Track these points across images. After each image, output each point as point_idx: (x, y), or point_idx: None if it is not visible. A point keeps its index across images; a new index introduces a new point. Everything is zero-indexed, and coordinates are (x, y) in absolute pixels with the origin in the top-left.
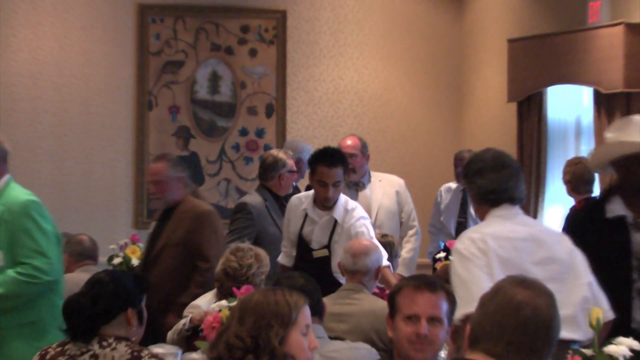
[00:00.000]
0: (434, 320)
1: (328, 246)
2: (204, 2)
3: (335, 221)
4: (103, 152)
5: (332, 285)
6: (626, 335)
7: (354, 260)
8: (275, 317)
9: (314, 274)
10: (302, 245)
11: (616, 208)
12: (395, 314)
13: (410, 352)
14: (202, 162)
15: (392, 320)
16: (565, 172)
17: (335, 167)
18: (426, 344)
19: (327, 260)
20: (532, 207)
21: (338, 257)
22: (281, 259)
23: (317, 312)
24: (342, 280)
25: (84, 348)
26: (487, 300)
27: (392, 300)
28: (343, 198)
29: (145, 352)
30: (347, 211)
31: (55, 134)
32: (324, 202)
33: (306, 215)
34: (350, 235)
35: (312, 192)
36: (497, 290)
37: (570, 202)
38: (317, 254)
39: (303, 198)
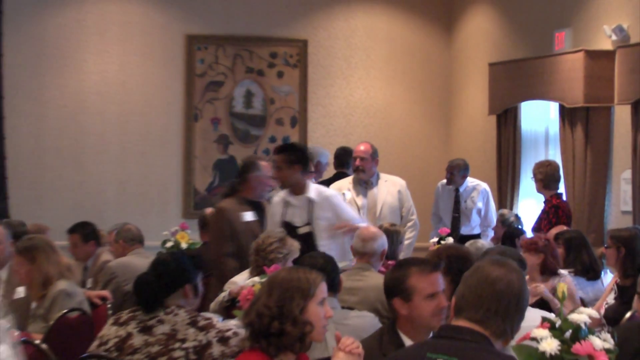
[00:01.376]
0: (443, 291)
1: (311, 223)
2: (240, 33)
3: (311, 200)
4: (158, 155)
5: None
6: None
7: (363, 244)
8: (297, 291)
9: (302, 250)
10: (287, 227)
11: None
12: (412, 295)
13: (434, 322)
14: (239, 164)
15: (406, 301)
16: (537, 172)
17: (276, 154)
18: (444, 311)
19: (311, 235)
20: (509, 200)
21: (320, 231)
22: None
23: (334, 287)
24: (327, 251)
25: (151, 314)
26: (468, 277)
27: (402, 285)
28: (314, 185)
29: (200, 317)
30: (319, 192)
31: (118, 141)
32: (279, 184)
33: (285, 202)
34: (332, 205)
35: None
36: (477, 269)
37: (540, 197)
38: (301, 230)
39: (281, 194)
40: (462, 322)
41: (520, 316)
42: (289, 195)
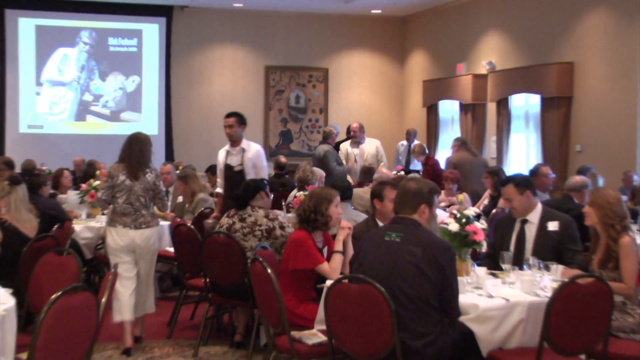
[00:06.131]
0: None
1: (242, 164)
2: (293, 64)
3: (243, 149)
4: (250, 129)
5: (243, 185)
6: None
7: (364, 174)
8: (324, 199)
9: (237, 180)
10: (229, 168)
11: None
12: (384, 199)
13: (392, 215)
14: (292, 133)
15: (380, 201)
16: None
17: (230, 117)
18: None
19: (242, 172)
20: (433, 154)
21: (247, 169)
22: (219, 190)
23: (348, 197)
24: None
25: (242, 212)
26: (397, 191)
27: (380, 192)
28: (246, 141)
29: (271, 214)
30: (249, 145)
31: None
32: (229, 138)
33: (226, 152)
34: (257, 153)
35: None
36: (400, 186)
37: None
38: (236, 169)
39: (225, 147)
40: (401, 215)
41: (419, 203)
42: (230, 147)
